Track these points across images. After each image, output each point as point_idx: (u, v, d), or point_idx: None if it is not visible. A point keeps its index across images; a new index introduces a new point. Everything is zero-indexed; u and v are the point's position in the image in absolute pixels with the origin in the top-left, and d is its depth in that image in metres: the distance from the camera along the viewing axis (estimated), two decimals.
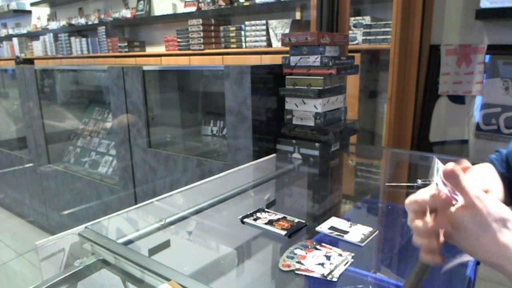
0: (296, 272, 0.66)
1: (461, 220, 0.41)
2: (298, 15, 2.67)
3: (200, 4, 3.16)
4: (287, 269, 0.67)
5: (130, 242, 0.82)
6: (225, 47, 3.03)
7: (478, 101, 1.66)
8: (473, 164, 0.50)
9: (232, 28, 2.96)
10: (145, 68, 1.86)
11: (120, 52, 3.77)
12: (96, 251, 0.76)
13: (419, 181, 1.07)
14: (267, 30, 2.73)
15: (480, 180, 0.50)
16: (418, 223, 0.43)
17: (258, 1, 2.73)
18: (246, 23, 2.82)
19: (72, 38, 4.39)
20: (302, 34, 1.30)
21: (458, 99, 1.70)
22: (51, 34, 4.59)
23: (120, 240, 0.81)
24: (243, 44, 2.90)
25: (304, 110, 1.35)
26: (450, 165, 0.39)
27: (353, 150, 1.54)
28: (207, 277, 0.72)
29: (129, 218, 0.96)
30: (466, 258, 0.68)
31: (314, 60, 1.30)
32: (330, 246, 0.74)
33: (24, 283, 2.05)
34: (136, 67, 1.88)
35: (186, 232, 0.90)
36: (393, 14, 1.63)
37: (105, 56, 3.92)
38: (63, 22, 4.72)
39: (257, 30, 2.77)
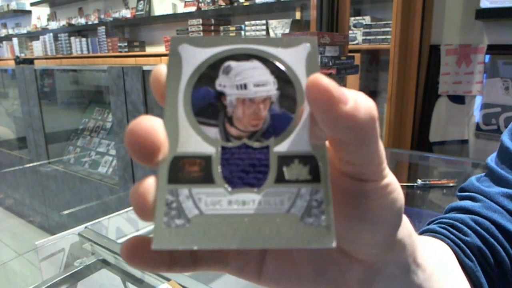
0: None
1: None
2: (298, 15, 2.67)
3: (200, 4, 3.16)
4: None
5: None
6: None
7: (478, 101, 1.66)
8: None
9: (232, 28, 2.96)
10: (145, 68, 1.86)
11: (120, 52, 3.77)
12: (96, 251, 0.76)
13: (419, 181, 1.07)
14: (267, 30, 2.73)
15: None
16: None
17: (258, 1, 2.73)
18: (246, 23, 2.82)
19: (72, 38, 4.39)
20: (302, 34, 1.30)
21: (458, 99, 1.70)
22: (51, 34, 4.59)
23: (120, 240, 0.81)
24: None
25: None
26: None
27: None
28: (207, 277, 0.72)
29: (129, 218, 0.96)
30: None
31: None
32: None
33: (24, 283, 2.05)
34: (136, 67, 1.88)
35: None
36: (393, 14, 1.63)
37: (105, 56, 3.92)
38: (63, 22, 4.72)
39: (257, 30, 2.77)
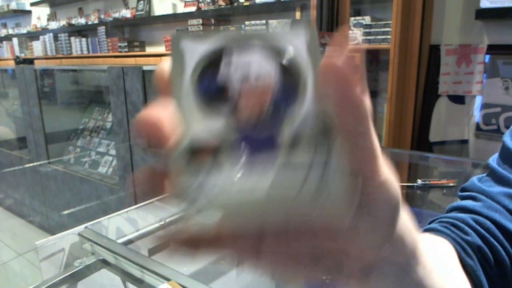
0: None
1: None
2: (298, 15, 2.67)
3: (200, 4, 3.16)
4: None
5: (130, 242, 0.82)
6: None
7: (478, 101, 1.66)
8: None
9: (232, 28, 2.96)
10: (145, 68, 1.86)
11: (120, 52, 3.77)
12: (96, 251, 0.76)
13: (419, 181, 1.07)
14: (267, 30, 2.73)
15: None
16: None
17: (258, 1, 2.73)
18: (246, 23, 2.82)
19: (72, 38, 4.39)
20: None
21: (458, 99, 1.70)
22: (51, 34, 4.58)
23: (120, 240, 0.81)
24: None
25: None
26: None
27: None
28: (207, 277, 0.72)
29: (129, 218, 0.96)
30: None
31: None
32: None
33: (24, 283, 2.06)
34: (136, 67, 1.88)
35: None
36: (393, 14, 1.63)
37: (105, 56, 3.92)
38: (63, 22, 4.71)
39: None
